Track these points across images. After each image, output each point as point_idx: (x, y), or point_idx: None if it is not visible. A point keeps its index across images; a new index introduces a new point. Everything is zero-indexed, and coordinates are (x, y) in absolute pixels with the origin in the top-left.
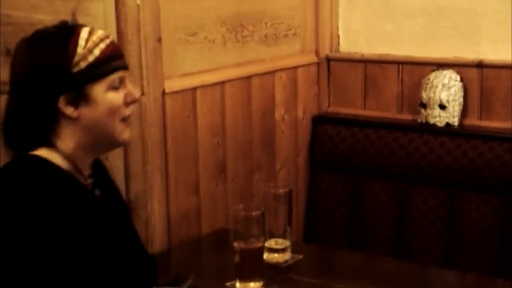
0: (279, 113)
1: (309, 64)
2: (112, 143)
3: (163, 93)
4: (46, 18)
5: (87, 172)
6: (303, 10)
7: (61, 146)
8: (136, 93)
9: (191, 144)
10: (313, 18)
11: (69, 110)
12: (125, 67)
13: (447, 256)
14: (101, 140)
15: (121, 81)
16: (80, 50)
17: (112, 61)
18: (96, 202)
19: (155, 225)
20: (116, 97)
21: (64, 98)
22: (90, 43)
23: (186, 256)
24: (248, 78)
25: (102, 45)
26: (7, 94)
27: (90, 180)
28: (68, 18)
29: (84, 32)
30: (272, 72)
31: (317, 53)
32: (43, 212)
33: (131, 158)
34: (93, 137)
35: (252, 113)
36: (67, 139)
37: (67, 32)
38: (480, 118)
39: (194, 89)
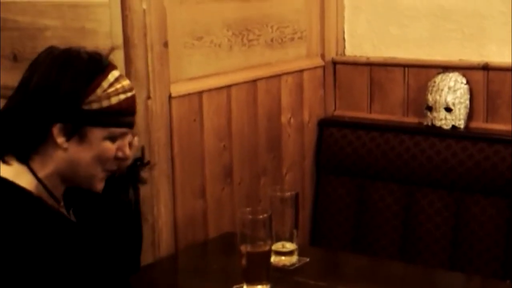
0: (285, 116)
1: (315, 68)
2: (85, 185)
3: (170, 97)
4: (52, 23)
5: (58, 195)
6: (309, 14)
7: (37, 167)
8: (128, 151)
9: (198, 148)
10: (318, 22)
11: (60, 140)
12: (131, 126)
13: (453, 258)
14: (77, 177)
15: (121, 136)
16: (99, 91)
17: (123, 115)
18: (69, 226)
19: (161, 229)
20: (109, 148)
21: (60, 126)
22: (112, 89)
23: (192, 260)
24: (254, 82)
25: (122, 96)
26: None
27: (61, 203)
28: (74, 23)
29: (112, 76)
30: (278, 76)
31: (323, 56)
32: (10, 244)
33: None
34: (71, 172)
35: (258, 116)
36: (47, 163)
37: (97, 68)
38: (486, 120)
39: (200, 93)
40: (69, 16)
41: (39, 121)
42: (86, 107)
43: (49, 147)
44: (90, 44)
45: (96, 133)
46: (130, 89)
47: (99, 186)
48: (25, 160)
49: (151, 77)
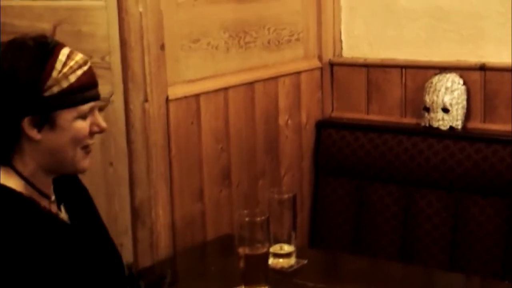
0: (282, 118)
1: (312, 69)
2: (71, 169)
3: (167, 100)
4: (50, 26)
5: (48, 191)
6: (306, 16)
7: (19, 166)
8: (103, 124)
9: (195, 150)
10: (315, 23)
11: (32, 132)
12: (97, 98)
13: (452, 259)
14: (60, 164)
15: (91, 111)
16: (55, 74)
17: (86, 90)
18: (62, 228)
19: (160, 231)
20: (83, 126)
21: (28, 119)
22: (67, 68)
23: (191, 262)
24: (251, 84)
25: (79, 72)
26: None
27: (53, 198)
28: (71, 27)
29: (62, 55)
30: (275, 78)
31: (320, 58)
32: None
33: (136, 165)
34: (53, 160)
35: (256, 118)
36: (27, 160)
37: (45, 52)
38: (484, 121)
39: (197, 96)
40: (66, 20)
41: (6, 120)
42: (47, 93)
43: (24, 143)
44: (87, 47)
45: (65, 116)
46: (85, 62)
47: (84, 165)
48: (7, 162)
49: (148, 80)
